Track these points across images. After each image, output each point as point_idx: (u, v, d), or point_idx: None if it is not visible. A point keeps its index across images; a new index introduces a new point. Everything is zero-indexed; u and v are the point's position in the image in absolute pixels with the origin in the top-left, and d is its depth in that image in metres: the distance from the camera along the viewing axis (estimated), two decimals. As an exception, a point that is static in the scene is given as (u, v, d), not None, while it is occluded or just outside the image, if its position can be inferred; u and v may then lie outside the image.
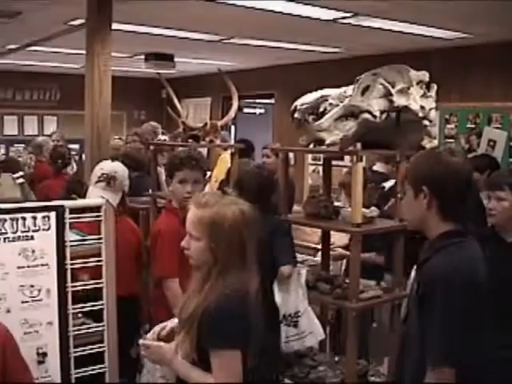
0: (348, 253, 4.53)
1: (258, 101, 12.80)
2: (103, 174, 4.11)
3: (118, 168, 4.17)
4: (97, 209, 3.60)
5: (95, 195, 3.95)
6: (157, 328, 2.96)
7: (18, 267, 3.22)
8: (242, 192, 3.94)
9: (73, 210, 3.45)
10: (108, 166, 4.14)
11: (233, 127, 11.80)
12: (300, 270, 4.27)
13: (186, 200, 3.67)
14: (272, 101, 10.92)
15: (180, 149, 5.15)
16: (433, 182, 2.68)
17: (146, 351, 2.77)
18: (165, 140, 7.15)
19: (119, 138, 8.85)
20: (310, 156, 9.36)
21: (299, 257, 7.66)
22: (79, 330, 3.44)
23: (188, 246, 2.69)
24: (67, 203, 3.45)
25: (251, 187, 4.01)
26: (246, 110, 12.96)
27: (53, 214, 3.33)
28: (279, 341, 4.13)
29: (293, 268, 4.09)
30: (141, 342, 2.82)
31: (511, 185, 3.62)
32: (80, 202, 3.77)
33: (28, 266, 3.25)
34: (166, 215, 4.25)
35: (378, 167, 6.16)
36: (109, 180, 4.08)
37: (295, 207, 6.59)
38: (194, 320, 2.56)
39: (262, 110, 13.50)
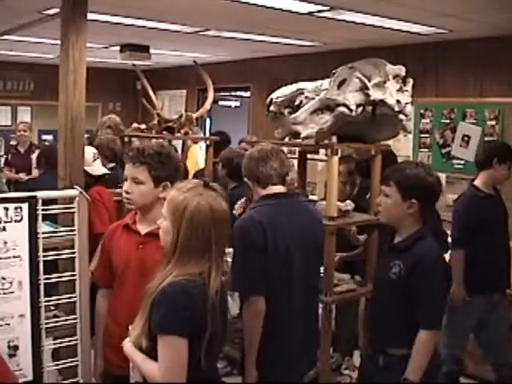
0: None
1: (233, 93, 12.78)
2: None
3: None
4: (70, 200, 3.57)
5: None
6: None
7: (-10, 259, 3.18)
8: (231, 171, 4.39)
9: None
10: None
11: (208, 120, 11.78)
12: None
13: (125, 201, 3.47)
14: (248, 94, 10.90)
15: (153, 141, 5.11)
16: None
17: None
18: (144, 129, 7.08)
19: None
20: (285, 149, 9.35)
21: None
22: (51, 322, 3.42)
23: (161, 228, 2.71)
24: (40, 194, 3.42)
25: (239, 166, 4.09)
26: (221, 103, 12.96)
27: (25, 206, 3.29)
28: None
29: None
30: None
31: (399, 182, 3.43)
32: (53, 193, 3.73)
33: (0, 258, 3.21)
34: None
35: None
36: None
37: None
38: (148, 301, 2.57)
39: (238, 103, 13.50)
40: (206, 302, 2.51)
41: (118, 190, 5.31)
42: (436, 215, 5.15)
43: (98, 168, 5.14)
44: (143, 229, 3.38)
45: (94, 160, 5.11)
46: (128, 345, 2.66)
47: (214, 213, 2.60)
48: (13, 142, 9.97)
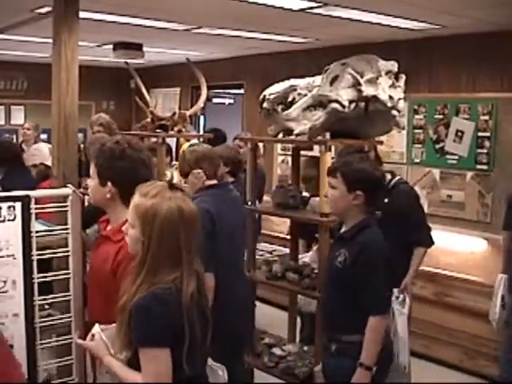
0: None
1: (227, 91, 12.78)
2: None
3: None
4: (63, 199, 3.57)
5: None
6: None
7: (-17, 258, 3.18)
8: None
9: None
10: None
11: (202, 117, 11.77)
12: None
13: None
14: (241, 91, 10.89)
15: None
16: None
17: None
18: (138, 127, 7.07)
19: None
20: (279, 146, 9.36)
21: (268, 247, 7.73)
22: (45, 321, 3.42)
23: (126, 231, 2.66)
24: (33, 193, 3.42)
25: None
26: (215, 100, 12.95)
27: (18, 205, 3.30)
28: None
29: None
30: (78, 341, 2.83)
31: (345, 174, 3.56)
32: (46, 192, 3.73)
33: (-7, 257, 3.21)
34: None
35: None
36: None
37: (264, 197, 6.60)
38: (125, 314, 2.51)
39: (232, 100, 13.49)
40: (182, 308, 2.47)
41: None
42: (421, 210, 5.18)
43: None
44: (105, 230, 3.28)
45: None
46: (108, 358, 2.60)
47: (184, 215, 2.54)
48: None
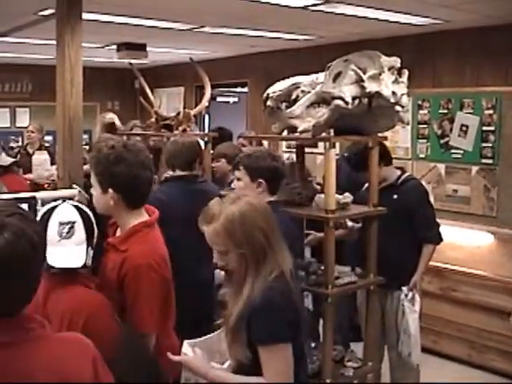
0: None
1: (231, 89, 12.78)
2: None
3: None
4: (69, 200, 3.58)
5: None
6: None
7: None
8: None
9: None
10: None
11: (206, 116, 11.78)
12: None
13: None
14: (245, 89, 10.90)
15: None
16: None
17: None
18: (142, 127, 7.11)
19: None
20: (284, 144, 9.36)
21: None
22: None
23: (223, 261, 2.65)
24: (39, 195, 3.43)
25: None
26: (219, 99, 12.96)
27: (25, 206, 3.31)
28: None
29: None
30: (171, 357, 2.72)
31: (246, 166, 3.96)
32: (51, 193, 3.74)
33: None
34: None
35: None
36: None
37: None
38: (240, 323, 2.51)
39: (236, 99, 13.49)
40: (297, 297, 2.54)
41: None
42: (430, 206, 5.17)
43: (4, 159, 5.89)
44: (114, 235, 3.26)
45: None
46: (214, 372, 2.60)
47: (255, 207, 2.62)
48: (15, 144, 10.02)
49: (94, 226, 2.93)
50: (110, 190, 3.02)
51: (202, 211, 2.67)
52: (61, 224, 2.79)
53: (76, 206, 2.92)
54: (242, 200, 2.63)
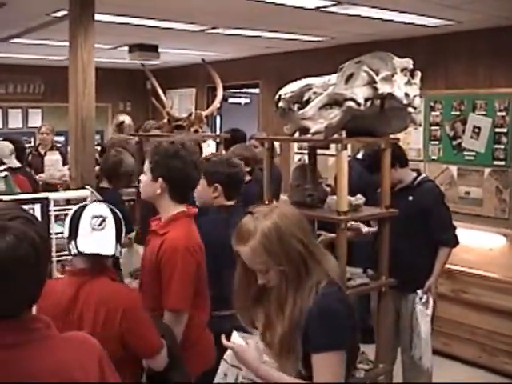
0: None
1: (243, 90, 12.78)
2: None
3: None
4: (82, 200, 3.59)
5: None
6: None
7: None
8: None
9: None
10: None
11: (218, 117, 11.79)
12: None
13: None
14: (257, 90, 10.90)
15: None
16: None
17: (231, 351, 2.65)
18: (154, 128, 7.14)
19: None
20: (295, 145, 9.36)
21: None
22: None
23: (264, 279, 2.55)
24: (52, 195, 3.45)
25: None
26: (231, 100, 12.95)
27: (37, 207, 3.33)
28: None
29: None
30: (225, 343, 2.65)
31: (204, 171, 3.94)
32: (64, 194, 3.76)
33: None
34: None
35: (362, 155, 6.17)
36: None
37: (282, 196, 6.60)
38: (288, 339, 2.43)
39: (247, 100, 13.48)
40: (350, 302, 2.49)
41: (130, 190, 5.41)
42: (445, 208, 5.13)
43: (13, 161, 6.19)
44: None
45: (11, 154, 6.20)
46: (265, 367, 2.51)
47: (286, 215, 2.54)
48: (27, 145, 10.03)
49: (123, 225, 3.06)
50: (160, 180, 3.34)
51: (235, 231, 2.59)
52: (93, 217, 2.96)
53: (107, 205, 3.08)
54: (274, 212, 2.53)
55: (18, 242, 1.69)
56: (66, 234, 2.98)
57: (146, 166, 3.42)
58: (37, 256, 1.72)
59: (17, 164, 6.38)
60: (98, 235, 2.92)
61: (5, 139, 7.05)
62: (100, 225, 2.94)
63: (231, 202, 4.14)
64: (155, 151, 3.39)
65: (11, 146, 6.46)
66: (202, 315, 3.53)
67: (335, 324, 2.40)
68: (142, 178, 3.47)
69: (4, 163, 6.00)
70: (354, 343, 2.48)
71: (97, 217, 2.96)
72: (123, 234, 3.06)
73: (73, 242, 2.89)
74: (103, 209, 3.02)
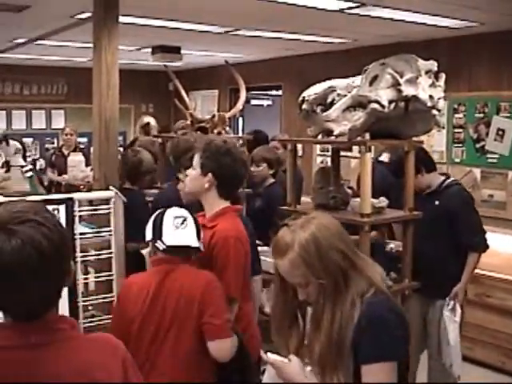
0: None
1: (265, 92, 12.78)
2: None
3: None
4: (106, 201, 3.61)
5: None
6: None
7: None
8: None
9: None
10: None
11: (240, 119, 11.80)
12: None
13: None
14: (279, 92, 10.90)
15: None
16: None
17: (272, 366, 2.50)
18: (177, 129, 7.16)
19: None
20: (318, 147, 9.35)
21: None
22: (89, 322, 3.46)
23: (304, 295, 2.43)
24: (76, 196, 3.46)
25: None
26: (253, 102, 12.95)
27: (62, 207, 3.34)
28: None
29: None
30: (264, 356, 2.52)
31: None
32: (89, 195, 3.77)
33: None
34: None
35: (385, 157, 6.15)
36: None
37: (303, 198, 6.59)
38: (331, 352, 2.32)
39: (270, 102, 13.48)
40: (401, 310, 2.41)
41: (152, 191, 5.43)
42: (474, 212, 5.04)
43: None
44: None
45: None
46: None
47: (324, 224, 2.43)
48: (50, 145, 10.12)
49: (200, 227, 3.29)
50: (210, 175, 3.44)
51: (272, 244, 2.48)
52: (175, 218, 3.23)
53: (184, 209, 3.34)
54: (311, 223, 2.40)
55: (22, 245, 1.70)
56: (150, 237, 3.23)
57: (196, 160, 3.52)
58: (41, 259, 1.73)
59: (22, 163, 6.50)
60: (182, 232, 3.19)
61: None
62: (182, 223, 3.20)
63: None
64: (207, 147, 3.50)
65: (18, 146, 6.53)
66: (249, 305, 3.63)
67: (385, 334, 2.28)
68: (190, 172, 3.58)
69: (7, 162, 6.09)
70: (405, 354, 2.36)
71: (178, 217, 3.23)
72: (201, 233, 3.26)
73: (158, 241, 3.17)
74: (182, 211, 3.28)
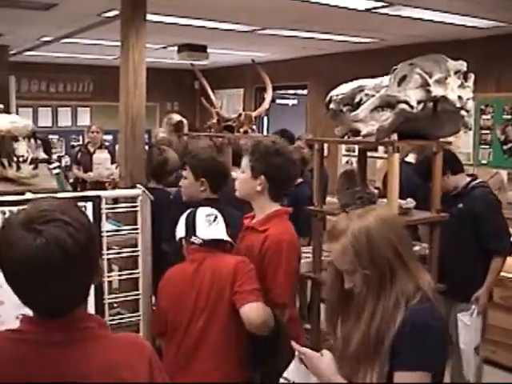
0: None
1: (290, 92, 12.77)
2: None
3: None
4: (131, 199, 3.61)
5: None
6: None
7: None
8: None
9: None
10: None
11: (266, 118, 11.79)
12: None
13: None
14: (305, 92, 10.89)
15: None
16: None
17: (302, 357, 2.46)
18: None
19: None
20: (343, 147, 9.32)
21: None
22: (115, 319, 3.47)
23: (350, 282, 2.42)
24: (104, 193, 3.47)
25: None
26: (278, 101, 12.95)
27: (89, 205, 3.34)
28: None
29: None
30: (296, 346, 2.49)
31: (191, 165, 4.06)
32: (116, 192, 3.78)
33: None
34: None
35: (411, 158, 6.11)
36: None
37: (328, 198, 6.57)
38: (369, 346, 2.29)
39: (295, 101, 13.47)
40: (444, 320, 2.37)
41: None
42: (499, 215, 4.94)
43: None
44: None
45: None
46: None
47: (383, 218, 2.40)
48: (76, 143, 10.17)
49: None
50: (262, 177, 3.40)
51: (328, 228, 2.49)
52: (207, 215, 3.37)
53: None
54: (369, 214, 2.39)
55: (46, 244, 1.71)
56: (183, 234, 3.37)
57: (245, 163, 3.47)
58: (66, 258, 1.73)
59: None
60: (215, 227, 3.33)
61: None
62: (214, 220, 3.35)
63: (216, 196, 4.09)
64: (255, 149, 3.45)
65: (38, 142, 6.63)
66: (294, 310, 3.63)
67: (427, 342, 2.23)
68: (239, 175, 3.54)
69: (36, 159, 6.12)
70: (442, 367, 2.31)
71: (209, 215, 3.37)
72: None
73: (193, 237, 3.31)
74: (212, 210, 3.40)
